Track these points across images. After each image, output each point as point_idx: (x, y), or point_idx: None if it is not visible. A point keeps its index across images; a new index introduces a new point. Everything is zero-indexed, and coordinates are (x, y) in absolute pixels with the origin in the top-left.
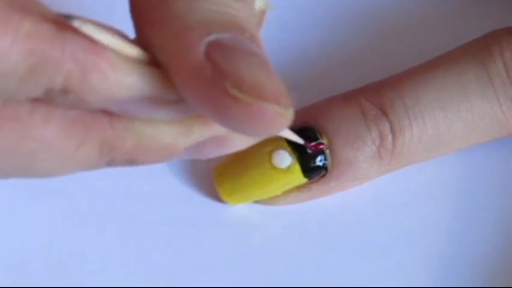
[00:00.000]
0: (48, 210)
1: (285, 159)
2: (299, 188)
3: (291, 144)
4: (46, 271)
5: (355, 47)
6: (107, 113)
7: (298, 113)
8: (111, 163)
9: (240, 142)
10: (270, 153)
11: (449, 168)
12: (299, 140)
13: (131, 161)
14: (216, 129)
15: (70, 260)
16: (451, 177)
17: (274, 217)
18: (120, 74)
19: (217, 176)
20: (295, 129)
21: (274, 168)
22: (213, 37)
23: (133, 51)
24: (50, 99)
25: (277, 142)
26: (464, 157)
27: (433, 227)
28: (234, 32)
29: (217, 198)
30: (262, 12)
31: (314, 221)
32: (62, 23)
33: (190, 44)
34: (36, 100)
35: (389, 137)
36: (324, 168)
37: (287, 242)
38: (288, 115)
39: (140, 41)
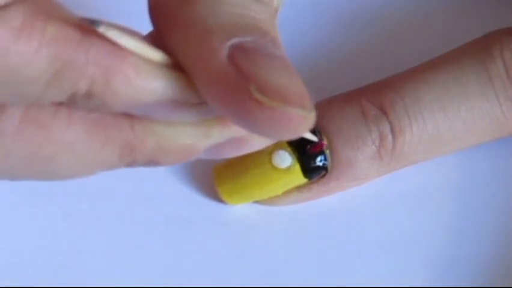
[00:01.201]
0: (48, 211)
1: (285, 159)
2: (299, 188)
3: (291, 144)
4: (46, 271)
5: (355, 47)
6: (128, 115)
7: None
8: (131, 164)
9: (258, 142)
10: (270, 153)
11: (449, 168)
12: (313, 138)
13: (151, 162)
14: (235, 130)
15: (69, 260)
16: (451, 177)
17: (274, 217)
18: (144, 79)
19: (217, 176)
20: None
21: (275, 168)
22: (235, 41)
23: (157, 55)
24: (73, 103)
25: (277, 142)
26: (464, 157)
27: (433, 227)
28: (256, 35)
29: (217, 198)
30: (275, 11)
31: (314, 221)
32: (86, 27)
33: (213, 48)
34: (59, 103)
35: (389, 137)
36: (324, 168)
37: (287, 241)
38: (311, 118)
39: (159, 43)
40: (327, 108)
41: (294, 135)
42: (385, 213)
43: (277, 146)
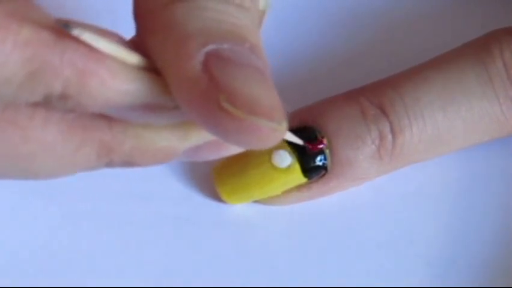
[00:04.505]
0: (48, 210)
1: (285, 159)
2: (299, 187)
3: (291, 144)
4: (45, 271)
5: (355, 47)
6: (106, 116)
7: (298, 113)
8: (109, 164)
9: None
10: (270, 153)
11: (449, 168)
12: (299, 141)
13: (129, 163)
14: None
15: (69, 260)
16: (451, 177)
17: (274, 217)
18: (119, 81)
19: (217, 176)
20: (295, 129)
21: (274, 168)
22: (211, 47)
23: (132, 58)
24: (49, 104)
25: None
26: (464, 157)
27: (433, 226)
28: (234, 42)
29: (217, 198)
30: (263, 12)
31: (314, 221)
32: (62, 29)
33: (188, 54)
34: (36, 104)
35: (389, 136)
36: (323, 168)
37: (287, 242)
38: (281, 130)
39: (140, 46)
40: (326, 108)
41: (264, 146)
42: (385, 213)
43: (277, 146)
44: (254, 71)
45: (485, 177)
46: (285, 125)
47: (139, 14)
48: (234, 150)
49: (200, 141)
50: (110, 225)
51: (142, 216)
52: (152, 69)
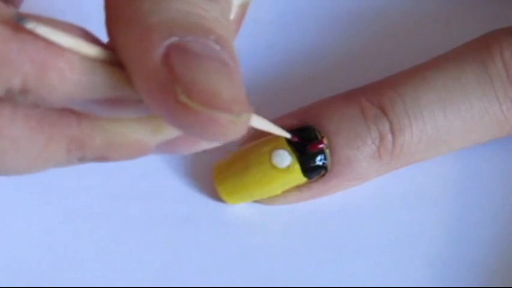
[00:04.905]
0: (48, 210)
1: (284, 158)
2: (299, 187)
3: (291, 143)
4: (45, 271)
5: (355, 46)
6: (74, 111)
7: (298, 113)
8: (83, 160)
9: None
10: (270, 152)
11: (449, 168)
12: (286, 134)
13: (102, 158)
14: None
15: (68, 260)
16: (451, 177)
17: (274, 217)
18: (78, 74)
19: (217, 176)
20: (295, 129)
21: (274, 167)
22: (174, 39)
23: (93, 51)
24: (11, 99)
25: (277, 142)
26: (464, 157)
27: (433, 226)
28: (198, 34)
29: (217, 197)
30: (244, 6)
31: (314, 221)
32: (19, 23)
33: (150, 46)
34: (1, 100)
35: (389, 136)
36: (323, 167)
37: (287, 241)
38: (241, 122)
39: (110, 40)
40: (326, 107)
41: (226, 139)
42: (385, 213)
43: (277, 145)
44: (216, 63)
45: (485, 177)
46: (245, 117)
47: (108, 5)
48: (209, 145)
49: (172, 135)
50: (109, 224)
51: (142, 215)
52: (117, 62)
